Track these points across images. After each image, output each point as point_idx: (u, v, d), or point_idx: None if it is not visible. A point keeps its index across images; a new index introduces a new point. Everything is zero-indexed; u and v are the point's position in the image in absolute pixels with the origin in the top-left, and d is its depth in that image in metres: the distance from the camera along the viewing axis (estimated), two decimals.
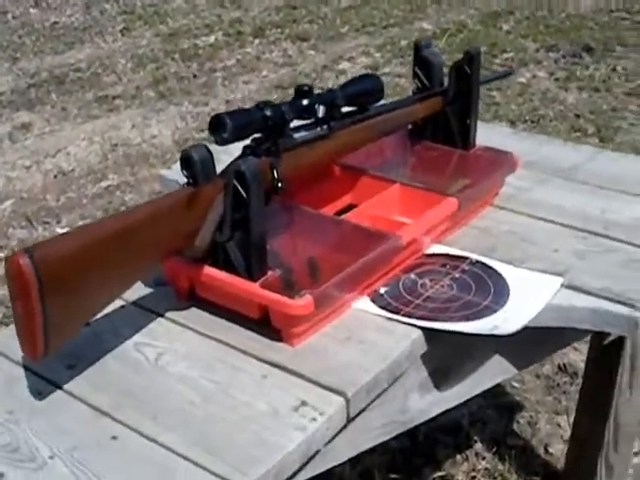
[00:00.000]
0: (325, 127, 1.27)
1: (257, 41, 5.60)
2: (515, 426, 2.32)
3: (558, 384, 2.46)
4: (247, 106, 1.19)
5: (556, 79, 4.76)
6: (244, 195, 1.09)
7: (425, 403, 1.25)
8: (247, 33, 5.74)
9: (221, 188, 1.11)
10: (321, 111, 1.24)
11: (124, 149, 4.02)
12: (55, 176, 3.81)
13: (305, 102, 1.22)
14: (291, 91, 3.96)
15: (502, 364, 1.34)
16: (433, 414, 1.28)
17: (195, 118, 4.33)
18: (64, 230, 3.29)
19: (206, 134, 4.07)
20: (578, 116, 4.25)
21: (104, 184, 3.71)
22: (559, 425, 2.33)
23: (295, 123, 1.24)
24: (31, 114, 4.49)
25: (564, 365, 2.50)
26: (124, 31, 5.83)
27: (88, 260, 1.00)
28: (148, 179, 3.71)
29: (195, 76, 4.97)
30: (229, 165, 1.13)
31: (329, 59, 5.21)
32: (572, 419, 2.31)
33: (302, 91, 1.22)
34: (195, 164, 1.10)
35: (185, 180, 1.12)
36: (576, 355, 2.49)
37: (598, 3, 6.20)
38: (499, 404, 2.39)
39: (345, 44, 5.51)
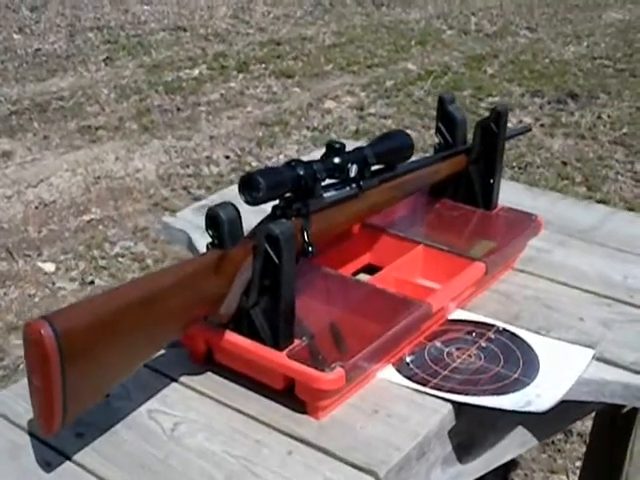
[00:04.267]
0: (354, 186, 1.22)
1: (241, 76, 5.56)
2: None
3: (553, 442, 2.42)
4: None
5: (542, 125, 4.76)
6: (276, 260, 1.03)
7: (447, 477, 1.20)
8: (231, 67, 5.69)
9: (250, 251, 1.05)
10: (354, 170, 1.18)
11: (107, 182, 3.95)
12: (36, 207, 3.73)
13: (337, 160, 1.16)
14: (277, 129, 3.91)
15: (524, 436, 1.29)
16: None
17: (179, 153, 4.26)
18: (45, 264, 3.23)
19: (191, 170, 4.03)
20: (565, 163, 4.24)
21: (86, 217, 3.64)
22: None
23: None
24: (13, 142, 4.41)
25: None
26: (107, 61, 5.77)
27: (110, 329, 0.93)
28: (132, 214, 3.64)
29: (179, 109, 4.91)
30: (258, 226, 1.07)
31: (314, 97, 5.18)
32: (567, 478, 2.27)
33: (334, 148, 1.16)
34: (222, 225, 1.04)
35: (210, 240, 1.06)
36: None
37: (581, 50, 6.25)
38: None
39: (330, 82, 5.49)
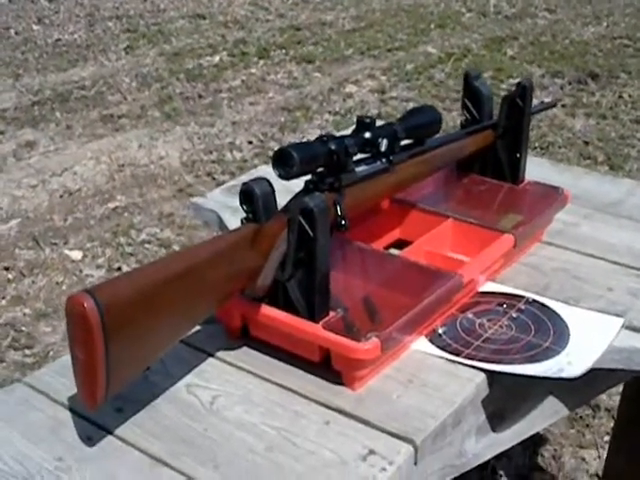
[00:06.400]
0: (385, 161, 1.23)
1: (262, 62, 5.57)
2: (540, 460, 2.29)
3: (581, 417, 2.43)
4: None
5: (563, 105, 4.74)
6: (310, 233, 1.05)
7: (481, 447, 1.21)
8: (251, 54, 5.70)
9: (284, 225, 1.06)
10: (384, 145, 1.19)
11: (131, 169, 3.98)
12: (61, 196, 3.76)
13: (368, 135, 1.18)
14: (299, 113, 3.90)
15: (556, 405, 1.29)
16: (487, 457, 1.23)
17: (202, 140, 4.28)
18: (72, 252, 3.25)
19: (214, 156, 4.04)
20: (587, 143, 4.23)
21: (111, 205, 3.67)
22: (584, 459, 2.29)
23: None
24: (35, 132, 4.44)
25: None
26: (128, 49, 5.79)
27: (150, 302, 0.95)
28: (157, 201, 3.67)
29: (200, 96, 4.93)
30: (292, 200, 1.08)
31: (335, 82, 5.18)
32: (596, 453, 2.28)
33: (364, 123, 1.18)
34: (257, 199, 1.05)
35: (244, 215, 1.08)
36: None
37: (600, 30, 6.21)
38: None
39: (350, 67, 5.49)
